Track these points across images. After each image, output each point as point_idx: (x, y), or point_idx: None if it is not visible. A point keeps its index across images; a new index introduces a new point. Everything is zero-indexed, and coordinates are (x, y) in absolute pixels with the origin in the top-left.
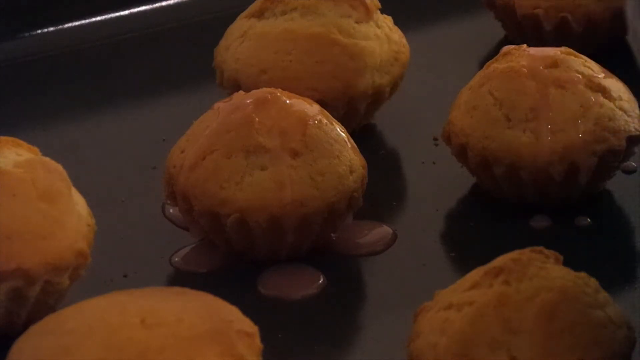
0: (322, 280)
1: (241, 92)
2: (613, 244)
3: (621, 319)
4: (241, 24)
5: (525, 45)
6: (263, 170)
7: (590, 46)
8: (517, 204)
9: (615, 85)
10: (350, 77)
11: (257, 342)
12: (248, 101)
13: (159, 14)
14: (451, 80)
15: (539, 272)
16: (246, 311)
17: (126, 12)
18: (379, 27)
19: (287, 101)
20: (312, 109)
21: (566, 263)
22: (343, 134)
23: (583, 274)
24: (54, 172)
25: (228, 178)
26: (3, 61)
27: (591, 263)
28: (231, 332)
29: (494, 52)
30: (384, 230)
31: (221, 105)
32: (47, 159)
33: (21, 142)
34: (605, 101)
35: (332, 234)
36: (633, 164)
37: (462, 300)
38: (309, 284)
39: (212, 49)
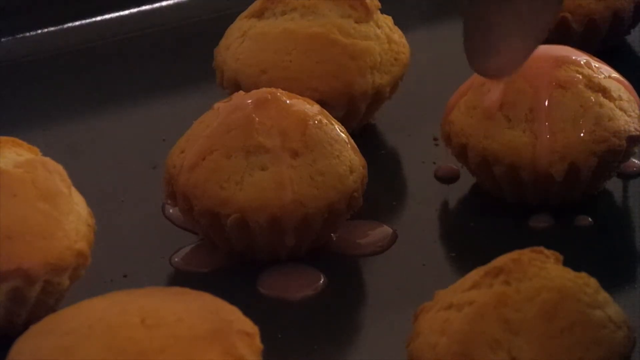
0: (322, 280)
1: (241, 92)
2: (613, 244)
3: (621, 319)
4: (241, 24)
5: None
6: (263, 170)
7: (590, 46)
8: (517, 204)
9: (615, 85)
10: (350, 77)
11: (257, 342)
12: (248, 101)
13: (159, 14)
14: (451, 80)
15: (539, 272)
16: (246, 311)
17: (126, 12)
18: (379, 27)
19: (287, 101)
20: (312, 109)
21: (566, 263)
22: (343, 134)
23: (583, 274)
24: (54, 172)
25: (228, 178)
26: (3, 61)
27: (591, 263)
28: (231, 332)
29: None
30: (384, 230)
31: (221, 105)
32: (47, 159)
33: (21, 142)
34: (605, 101)
35: (332, 234)
36: (634, 161)
37: (462, 300)
38: (309, 284)
39: (212, 49)
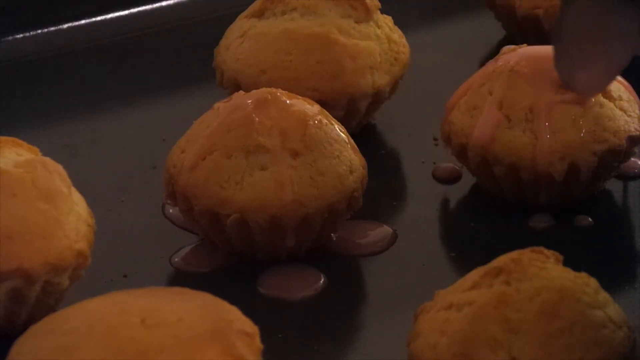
0: (322, 280)
1: (241, 92)
2: (613, 244)
3: (621, 319)
4: (241, 24)
5: (525, 45)
6: (263, 170)
7: None
8: (517, 204)
9: (615, 85)
10: (350, 77)
11: (257, 342)
12: (248, 101)
13: (159, 14)
14: (451, 80)
15: (539, 272)
16: (246, 311)
17: (126, 12)
18: (379, 27)
19: (287, 101)
20: (312, 109)
21: (566, 263)
22: (343, 134)
23: (583, 274)
24: (54, 172)
25: (228, 178)
26: (3, 61)
27: (591, 263)
28: (231, 332)
29: (494, 52)
30: (384, 230)
31: (221, 105)
32: (47, 159)
33: (21, 142)
34: (605, 101)
35: (332, 234)
36: (634, 162)
37: (462, 300)
38: (309, 284)
39: (212, 49)
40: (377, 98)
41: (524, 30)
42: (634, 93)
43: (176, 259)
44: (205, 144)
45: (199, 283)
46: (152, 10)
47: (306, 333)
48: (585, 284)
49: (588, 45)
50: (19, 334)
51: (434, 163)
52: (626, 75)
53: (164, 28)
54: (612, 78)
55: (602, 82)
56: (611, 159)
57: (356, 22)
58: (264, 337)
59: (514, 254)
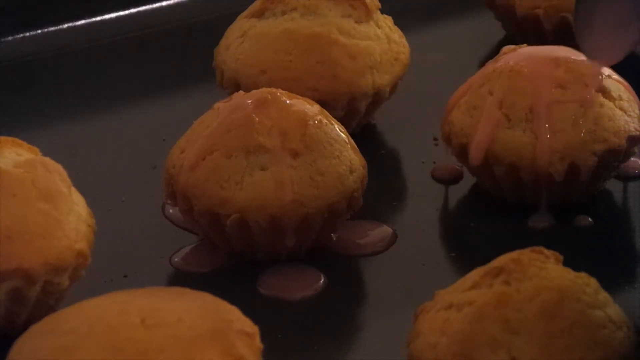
0: (322, 280)
1: (241, 92)
2: (613, 244)
3: (621, 319)
4: (241, 24)
5: (525, 45)
6: (263, 170)
7: None
8: (517, 204)
9: (615, 85)
10: (350, 77)
11: (257, 342)
12: (248, 101)
13: (159, 14)
14: (451, 80)
15: (539, 272)
16: (246, 311)
17: (126, 12)
18: (379, 27)
19: (287, 101)
20: (312, 109)
21: (566, 263)
22: (343, 134)
23: (583, 274)
24: (54, 172)
25: (228, 178)
26: (3, 61)
27: (591, 263)
28: (231, 332)
29: (494, 52)
30: (384, 230)
31: (221, 105)
32: (47, 159)
33: (21, 142)
34: (605, 101)
35: (332, 234)
36: (634, 162)
37: (462, 300)
38: (309, 284)
39: (212, 49)
40: (377, 98)
41: (524, 30)
42: (634, 93)
43: (176, 259)
44: (205, 144)
45: (199, 283)
46: (152, 10)
47: (306, 333)
48: (585, 284)
49: (606, 16)
50: (19, 334)
51: (434, 163)
52: (626, 75)
53: (164, 28)
54: (630, 47)
55: (621, 50)
56: (611, 159)
57: (356, 22)
58: (264, 337)
59: (514, 254)
